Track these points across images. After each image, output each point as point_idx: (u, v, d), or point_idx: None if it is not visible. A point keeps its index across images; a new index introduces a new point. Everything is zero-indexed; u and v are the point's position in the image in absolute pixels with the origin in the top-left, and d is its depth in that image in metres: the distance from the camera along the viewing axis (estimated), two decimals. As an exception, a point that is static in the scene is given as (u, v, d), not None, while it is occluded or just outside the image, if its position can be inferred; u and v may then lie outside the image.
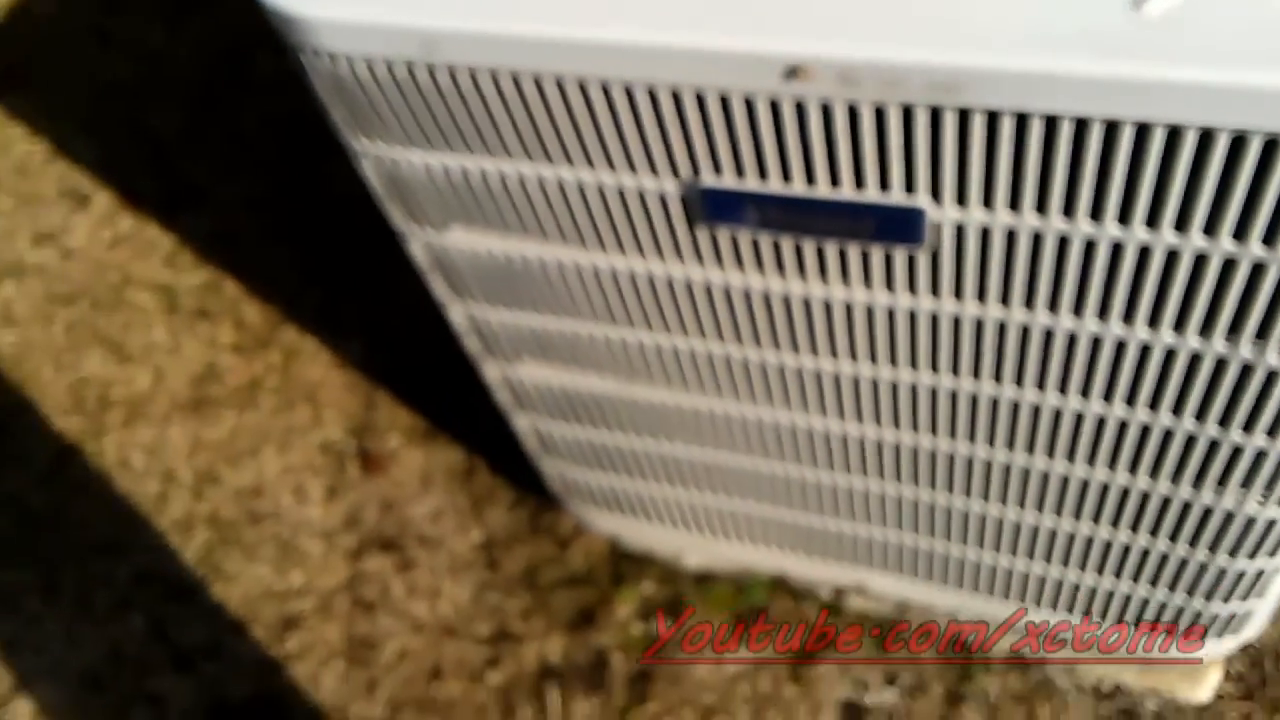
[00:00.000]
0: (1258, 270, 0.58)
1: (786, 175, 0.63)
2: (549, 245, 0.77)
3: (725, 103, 0.59)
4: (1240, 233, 0.56)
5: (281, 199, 1.70)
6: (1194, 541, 0.85)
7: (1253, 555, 0.84)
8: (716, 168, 0.64)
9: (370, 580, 1.36)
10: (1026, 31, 0.52)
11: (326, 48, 0.65)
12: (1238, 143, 0.51)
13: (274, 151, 1.75)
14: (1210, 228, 0.57)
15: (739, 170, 0.64)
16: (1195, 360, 0.66)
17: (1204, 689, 1.07)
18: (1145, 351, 0.67)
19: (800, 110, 0.58)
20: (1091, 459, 0.80)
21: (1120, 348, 0.68)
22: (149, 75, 1.90)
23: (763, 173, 0.63)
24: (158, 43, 1.94)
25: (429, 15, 0.61)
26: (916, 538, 1.01)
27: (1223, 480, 0.76)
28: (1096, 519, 0.87)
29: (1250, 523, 0.80)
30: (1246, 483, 0.75)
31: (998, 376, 0.75)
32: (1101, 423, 0.75)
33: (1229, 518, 0.80)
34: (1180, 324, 0.64)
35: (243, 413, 1.51)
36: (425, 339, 1.50)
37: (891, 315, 0.72)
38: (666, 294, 0.78)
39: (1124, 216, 0.58)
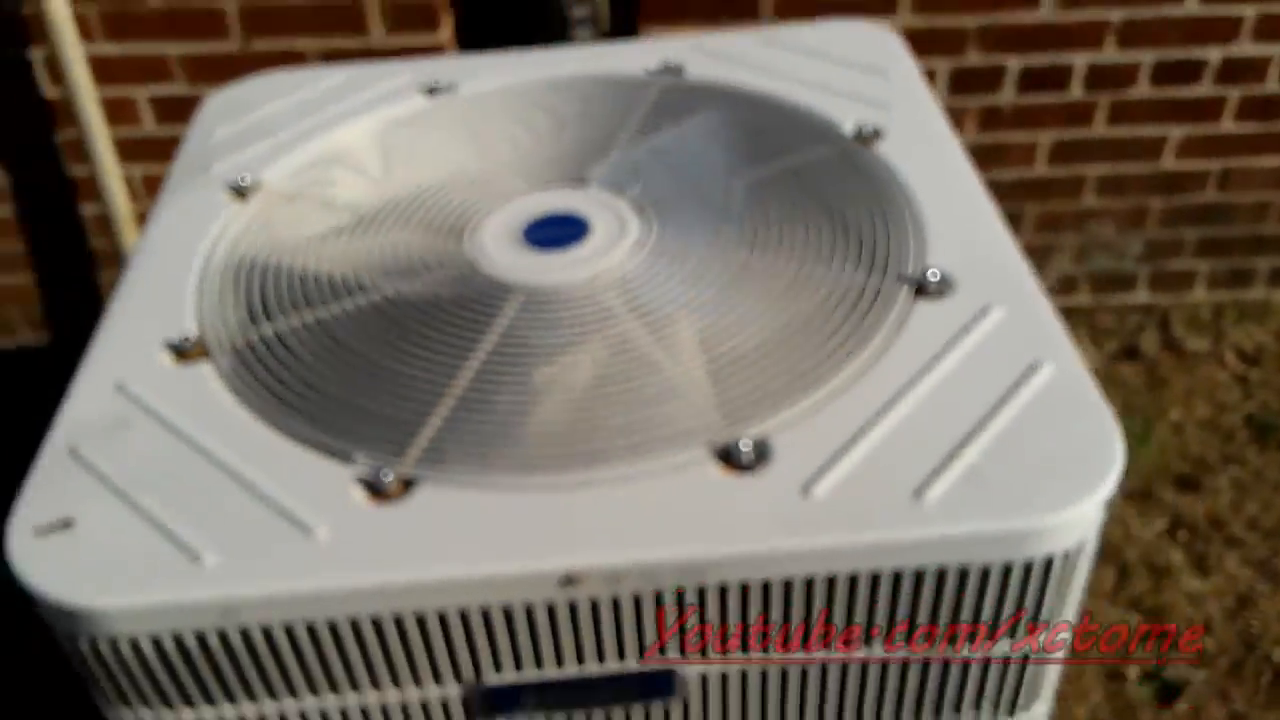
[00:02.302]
0: (923, 668, 0.75)
1: (560, 660, 0.72)
2: (322, 771, 0.78)
3: (508, 614, 0.68)
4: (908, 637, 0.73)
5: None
6: None
7: None
8: (497, 666, 0.72)
9: None
10: (735, 523, 0.68)
11: (114, 633, 0.66)
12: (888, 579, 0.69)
13: None
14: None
15: (517, 665, 0.72)
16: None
17: None
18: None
19: (571, 608, 0.69)
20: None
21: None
22: None
23: (539, 662, 0.72)
24: None
25: (226, 586, 0.66)
26: None
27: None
28: None
29: None
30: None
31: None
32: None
33: None
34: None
35: None
36: None
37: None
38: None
39: (826, 643, 0.73)
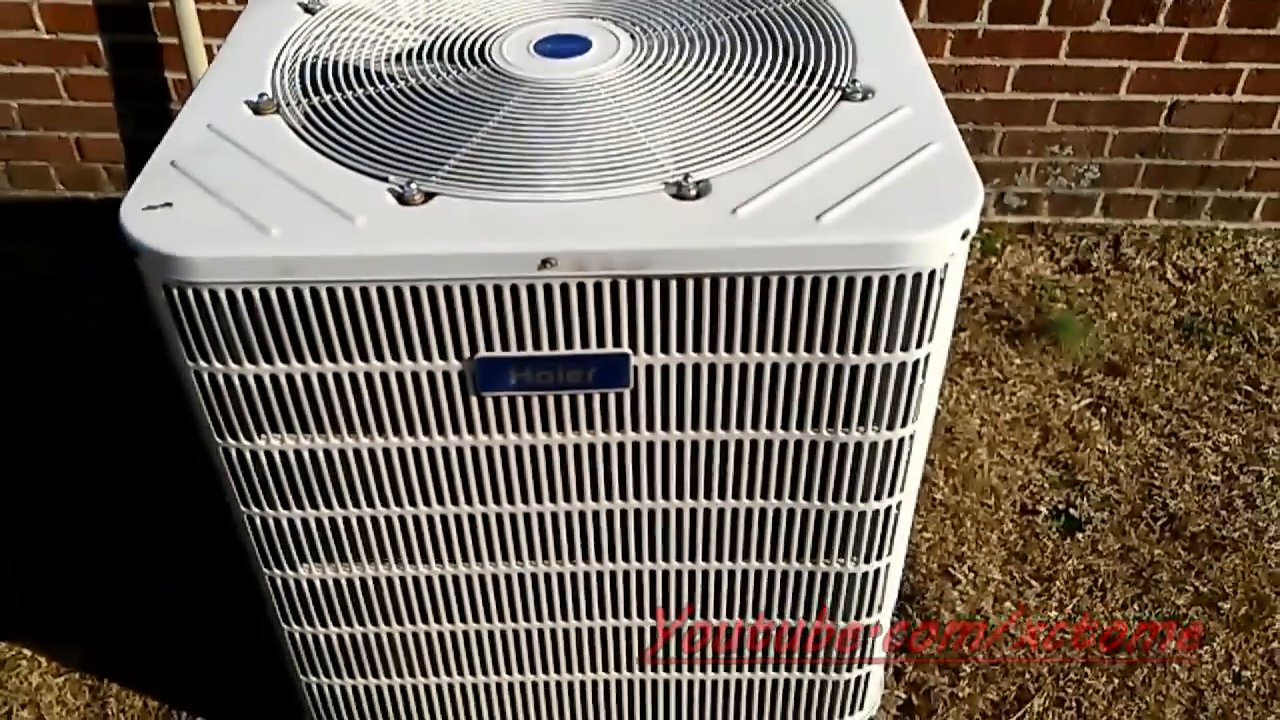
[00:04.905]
0: (822, 371, 0.91)
1: (538, 342, 0.89)
2: (354, 438, 0.96)
3: (498, 291, 0.85)
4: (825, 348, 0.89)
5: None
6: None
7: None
8: (489, 344, 0.89)
9: None
10: (675, 229, 0.84)
11: (199, 281, 0.84)
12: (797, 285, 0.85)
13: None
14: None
15: (504, 344, 0.89)
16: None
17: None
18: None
19: (547, 290, 0.85)
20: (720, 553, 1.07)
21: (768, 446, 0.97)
22: None
23: (521, 342, 0.89)
24: None
25: (287, 248, 0.83)
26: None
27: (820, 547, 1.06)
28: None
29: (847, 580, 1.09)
30: (834, 548, 1.05)
31: (678, 493, 1.01)
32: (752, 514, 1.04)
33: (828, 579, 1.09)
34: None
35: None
36: (157, 629, 1.52)
37: (617, 450, 0.97)
38: (443, 466, 0.98)
39: (776, 346, 0.89)
